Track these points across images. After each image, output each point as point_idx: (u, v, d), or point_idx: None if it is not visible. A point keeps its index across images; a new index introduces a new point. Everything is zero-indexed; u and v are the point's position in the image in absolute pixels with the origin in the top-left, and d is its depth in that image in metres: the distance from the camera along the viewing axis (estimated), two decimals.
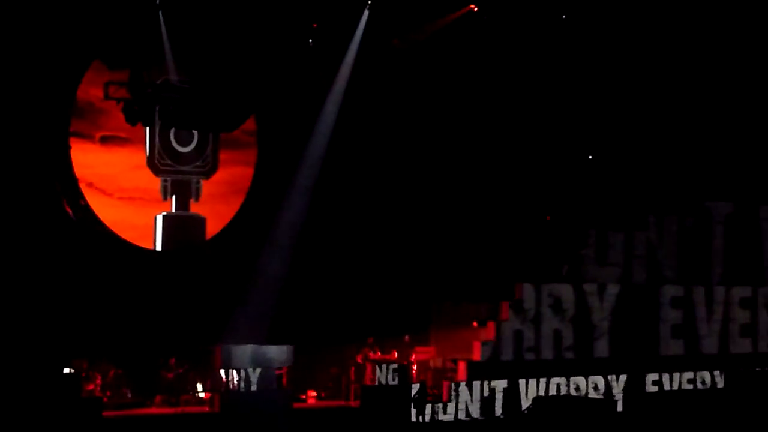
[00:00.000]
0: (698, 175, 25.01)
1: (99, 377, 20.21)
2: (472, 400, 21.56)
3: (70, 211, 21.77)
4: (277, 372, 20.30)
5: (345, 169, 23.18)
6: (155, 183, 22.65)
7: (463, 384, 21.56)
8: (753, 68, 24.47)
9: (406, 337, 22.82)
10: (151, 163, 22.66)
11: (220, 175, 23.22)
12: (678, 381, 23.89)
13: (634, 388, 23.20)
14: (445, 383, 21.55)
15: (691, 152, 24.82)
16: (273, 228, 22.24)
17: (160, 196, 22.64)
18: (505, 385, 21.95)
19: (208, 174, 23.14)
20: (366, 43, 22.11)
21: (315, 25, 21.87)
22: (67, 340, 20.13)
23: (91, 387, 19.96)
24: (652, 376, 23.62)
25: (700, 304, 24.67)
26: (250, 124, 23.04)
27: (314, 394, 21.94)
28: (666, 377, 23.75)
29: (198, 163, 23.00)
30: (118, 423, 19.11)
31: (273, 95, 22.32)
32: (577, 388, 22.71)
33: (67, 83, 21.67)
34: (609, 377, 23.05)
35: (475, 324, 23.18)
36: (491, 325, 22.50)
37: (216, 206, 23.06)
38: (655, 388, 23.59)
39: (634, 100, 24.36)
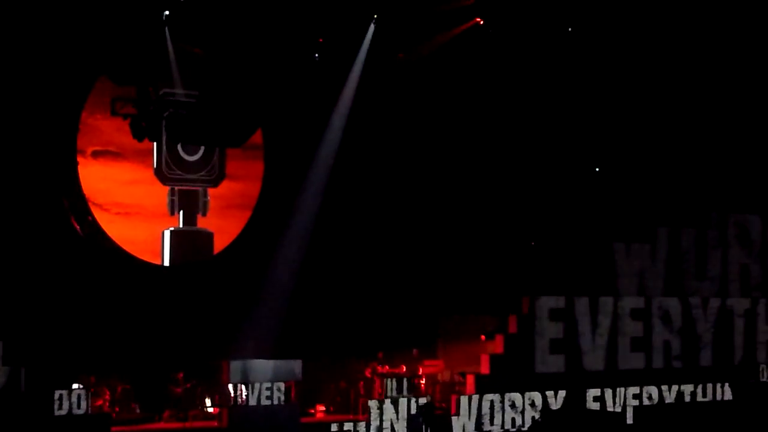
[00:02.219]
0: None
1: (108, 392, 20.20)
2: (481, 414, 21.33)
3: (78, 227, 21.83)
4: (286, 386, 20.18)
5: (352, 183, 23.27)
6: (152, 197, 22.69)
7: (473, 396, 21.34)
8: (761, 76, 24.44)
9: (415, 351, 22.76)
10: (159, 172, 22.75)
11: (226, 189, 23.30)
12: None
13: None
14: (453, 396, 21.41)
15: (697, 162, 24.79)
16: (280, 242, 22.30)
17: (156, 210, 22.65)
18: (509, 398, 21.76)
19: (215, 182, 23.24)
20: (372, 57, 22.16)
21: (321, 40, 21.89)
22: (76, 356, 20.15)
23: (99, 402, 19.92)
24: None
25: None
26: (256, 139, 23.11)
27: (322, 408, 21.92)
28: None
29: (204, 172, 23.07)
30: None
31: (279, 109, 22.39)
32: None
33: (73, 99, 21.77)
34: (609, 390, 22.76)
35: (483, 337, 23.17)
36: (499, 338, 22.32)
37: (223, 221, 23.14)
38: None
39: (642, 110, 24.33)
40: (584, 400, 22.16)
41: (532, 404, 21.71)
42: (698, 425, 21.46)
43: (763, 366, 24.92)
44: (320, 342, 22.05)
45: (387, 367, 22.07)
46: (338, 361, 22.30)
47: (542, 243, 24.53)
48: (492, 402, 21.29)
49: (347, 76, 22.39)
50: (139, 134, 21.04)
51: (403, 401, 20.47)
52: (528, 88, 23.76)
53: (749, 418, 21.50)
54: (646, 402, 22.84)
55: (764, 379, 24.76)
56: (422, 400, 20.67)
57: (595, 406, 22.25)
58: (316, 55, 22.03)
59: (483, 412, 21.21)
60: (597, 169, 25.18)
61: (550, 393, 21.93)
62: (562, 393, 22.03)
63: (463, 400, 21.09)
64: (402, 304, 23.34)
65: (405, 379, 21.10)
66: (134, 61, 21.30)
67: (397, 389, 20.73)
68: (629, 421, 21.67)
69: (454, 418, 20.93)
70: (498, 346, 22.26)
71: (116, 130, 21.95)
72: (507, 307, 22.76)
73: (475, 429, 21.11)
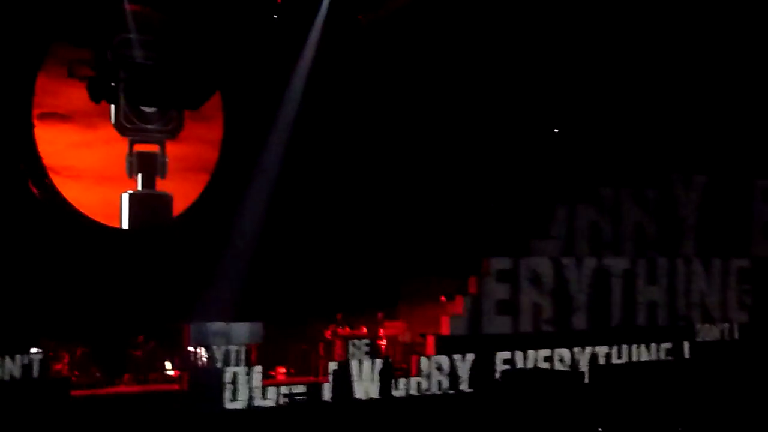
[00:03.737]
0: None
1: (67, 357, 20.11)
2: (440, 374, 21.50)
3: (36, 191, 21.68)
4: (246, 348, 20.22)
5: (312, 145, 23.12)
6: (103, 160, 22.40)
7: (431, 358, 21.51)
8: (715, 40, 24.57)
9: (379, 314, 22.77)
10: (118, 124, 22.45)
11: (185, 151, 23.10)
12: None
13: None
14: (414, 357, 21.55)
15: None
16: (240, 205, 22.22)
17: (109, 172, 22.44)
18: (475, 358, 21.88)
19: (173, 134, 23.00)
20: (331, 19, 22.01)
21: (279, 1, 21.75)
22: (35, 321, 20.02)
23: (59, 367, 19.85)
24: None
25: None
26: (215, 101, 22.96)
27: (283, 370, 21.85)
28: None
29: (163, 122, 22.87)
30: (87, 402, 18.98)
31: (238, 71, 22.19)
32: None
33: (29, 63, 21.52)
34: (575, 350, 23.08)
35: (443, 299, 23.21)
36: (459, 299, 22.48)
37: (182, 184, 22.99)
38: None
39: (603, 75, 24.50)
40: (493, 363, 22.15)
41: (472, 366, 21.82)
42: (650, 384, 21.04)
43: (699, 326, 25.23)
44: (281, 304, 22.02)
45: (348, 329, 22.06)
46: (299, 323, 22.19)
47: (498, 204, 24.51)
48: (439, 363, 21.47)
49: (307, 38, 22.23)
50: (96, 96, 20.85)
51: (363, 363, 20.57)
52: (486, 51, 23.73)
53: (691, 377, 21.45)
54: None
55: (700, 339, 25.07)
56: (381, 361, 20.78)
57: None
58: (275, 16, 21.85)
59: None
60: (556, 130, 25.26)
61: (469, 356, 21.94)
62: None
63: (423, 360, 21.27)
64: (363, 267, 23.32)
65: (366, 341, 21.24)
66: (91, 23, 21.18)
67: (357, 351, 20.87)
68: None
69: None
70: (458, 307, 22.40)
71: (72, 93, 21.71)
72: (468, 269, 22.83)
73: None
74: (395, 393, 20.93)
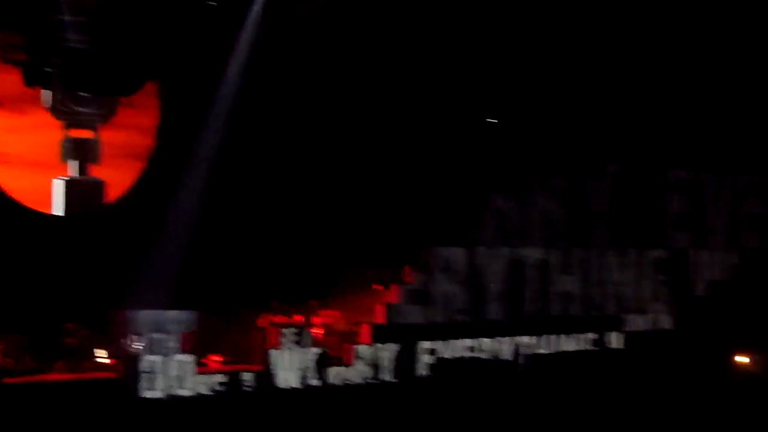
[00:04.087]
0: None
1: (1, 344, 19.97)
2: (375, 363, 21.64)
3: None
4: (181, 337, 20.20)
5: (249, 133, 22.90)
6: (35, 146, 22.04)
7: (365, 347, 21.60)
8: (623, 27, 24.61)
9: (313, 302, 22.75)
10: (52, 108, 22.07)
11: (119, 137, 22.76)
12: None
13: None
14: (348, 347, 21.62)
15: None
16: (175, 192, 22.04)
17: (40, 159, 22.08)
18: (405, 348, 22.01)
19: (106, 118, 22.63)
20: (269, 5, 21.98)
21: None
22: None
23: None
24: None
25: None
26: (150, 87, 22.73)
27: (217, 358, 21.65)
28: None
29: (97, 107, 22.51)
30: (19, 389, 18.94)
31: (174, 58, 21.99)
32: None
33: None
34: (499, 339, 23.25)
35: (379, 287, 23.25)
36: (394, 288, 22.60)
37: (116, 171, 22.71)
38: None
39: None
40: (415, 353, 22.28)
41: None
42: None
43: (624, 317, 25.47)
44: (215, 292, 21.84)
45: (282, 317, 21.98)
46: (233, 311, 22.01)
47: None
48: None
49: (244, 24, 22.10)
50: (30, 81, 20.65)
51: (296, 351, 20.58)
52: (422, 37, 23.63)
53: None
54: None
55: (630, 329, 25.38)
56: (316, 350, 20.82)
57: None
58: (213, 2, 21.82)
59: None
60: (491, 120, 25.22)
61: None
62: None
63: (358, 349, 21.36)
64: (299, 255, 23.16)
65: (301, 330, 21.22)
66: (23, 6, 20.86)
67: (292, 340, 20.85)
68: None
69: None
70: (394, 295, 22.55)
71: (4, 78, 21.36)
72: (405, 258, 23.00)
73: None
74: (330, 382, 21.05)
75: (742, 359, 24.79)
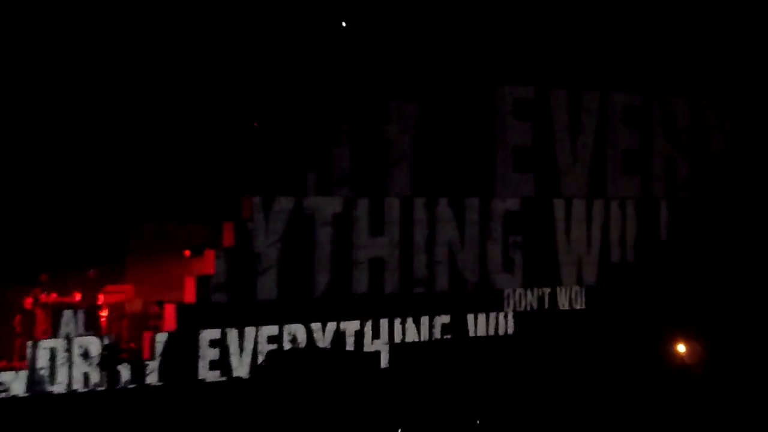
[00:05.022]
0: None
1: None
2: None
3: None
4: None
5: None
6: None
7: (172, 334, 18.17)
8: None
9: (91, 271, 19.43)
10: None
11: None
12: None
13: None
14: (147, 334, 18.33)
15: None
16: None
17: None
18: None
19: None
20: None
21: None
22: None
23: None
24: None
25: None
26: None
27: None
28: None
29: None
30: None
31: None
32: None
33: None
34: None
35: (187, 253, 19.78)
36: (210, 254, 18.89)
37: None
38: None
39: None
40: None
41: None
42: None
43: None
44: None
45: (55, 294, 18.86)
46: None
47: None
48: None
49: None
50: None
51: (76, 342, 17.62)
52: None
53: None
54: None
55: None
56: (101, 341, 17.80)
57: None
58: None
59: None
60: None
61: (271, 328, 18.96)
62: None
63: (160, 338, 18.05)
64: (76, 209, 19.59)
65: (80, 311, 17.96)
66: None
67: (68, 325, 17.77)
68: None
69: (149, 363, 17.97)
70: (208, 264, 18.91)
71: None
72: (221, 212, 19.59)
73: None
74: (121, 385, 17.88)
75: (675, 347, 20.76)
